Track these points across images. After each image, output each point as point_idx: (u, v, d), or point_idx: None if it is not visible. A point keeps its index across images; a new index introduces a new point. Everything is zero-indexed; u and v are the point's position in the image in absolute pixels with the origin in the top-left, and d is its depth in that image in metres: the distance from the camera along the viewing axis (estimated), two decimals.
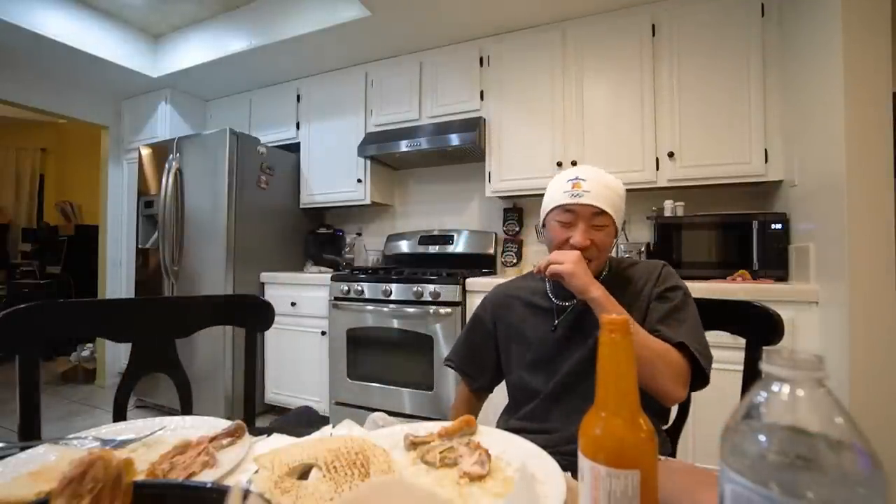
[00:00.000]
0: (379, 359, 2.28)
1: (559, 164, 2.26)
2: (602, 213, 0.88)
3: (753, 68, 1.94)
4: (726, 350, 1.46)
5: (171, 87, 3.20)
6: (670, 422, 0.95)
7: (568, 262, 0.82)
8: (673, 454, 0.92)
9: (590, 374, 0.73)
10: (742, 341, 0.90)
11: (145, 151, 2.86)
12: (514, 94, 2.39)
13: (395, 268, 2.47)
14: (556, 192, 0.91)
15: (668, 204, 2.13)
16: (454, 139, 2.37)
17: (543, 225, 0.97)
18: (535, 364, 0.93)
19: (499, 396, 1.11)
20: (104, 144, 3.44)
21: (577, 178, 0.89)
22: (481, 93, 2.47)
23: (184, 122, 3.29)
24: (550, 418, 0.88)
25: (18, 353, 0.76)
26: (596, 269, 0.90)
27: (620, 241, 2.33)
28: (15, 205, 4.86)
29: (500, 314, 1.03)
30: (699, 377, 0.80)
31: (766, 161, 1.92)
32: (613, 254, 1.10)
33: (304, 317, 2.54)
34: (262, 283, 2.72)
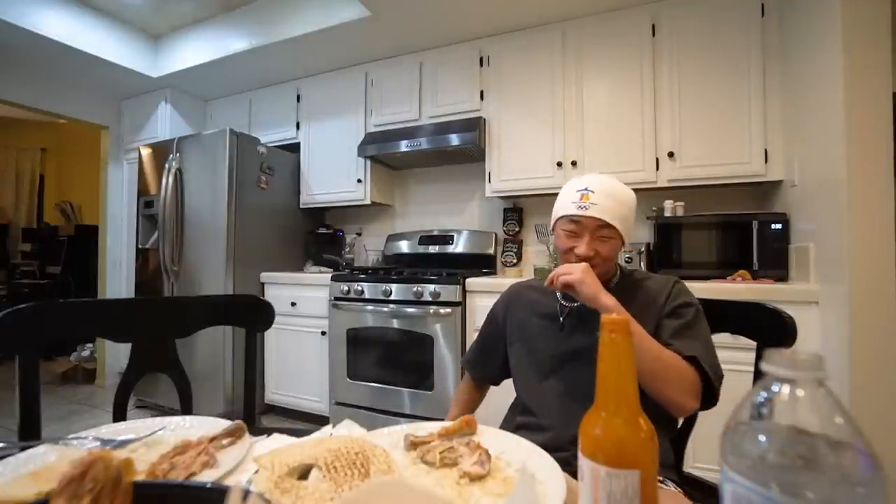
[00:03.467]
0: (379, 359, 2.27)
1: (559, 165, 2.26)
2: (608, 225, 0.88)
3: (753, 68, 1.94)
4: (727, 350, 1.45)
5: (171, 87, 3.20)
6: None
7: (577, 272, 0.83)
8: (679, 465, 0.90)
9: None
10: (744, 341, 0.90)
11: (145, 151, 2.86)
12: (514, 94, 2.39)
13: (395, 268, 2.47)
14: (565, 202, 0.92)
15: (668, 204, 2.13)
16: (454, 139, 2.37)
17: (552, 231, 0.99)
18: (540, 364, 0.93)
19: (502, 399, 1.11)
20: (104, 144, 3.44)
21: (585, 189, 0.90)
22: (481, 93, 2.47)
23: (184, 122, 3.29)
24: (555, 417, 0.88)
25: (18, 353, 0.76)
26: (601, 275, 0.90)
27: None
28: (15, 205, 4.85)
29: (512, 311, 1.04)
30: (708, 394, 0.79)
31: (766, 161, 1.92)
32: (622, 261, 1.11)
33: (304, 317, 2.54)
34: (262, 283, 2.72)
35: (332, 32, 2.44)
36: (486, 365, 1.09)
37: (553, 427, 0.86)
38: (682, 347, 0.80)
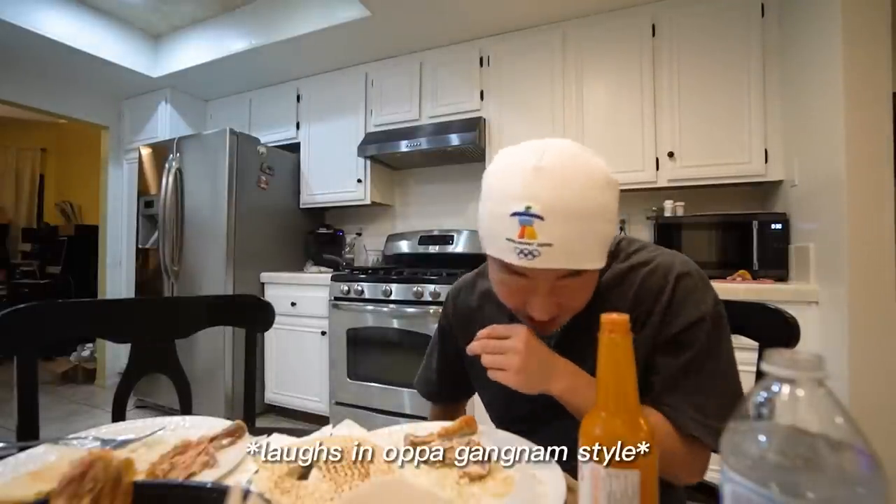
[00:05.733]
0: (379, 359, 2.28)
1: None
2: (571, 274, 0.55)
3: (753, 68, 1.94)
4: None
5: (171, 87, 3.20)
6: None
7: (512, 367, 0.57)
8: None
9: (564, 413, 0.61)
10: (744, 341, 0.89)
11: (145, 151, 2.86)
12: (514, 94, 2.39)
13: (395, 268, 2.47)
14: (497, 234, 0.55)
15: (668, 204, 2.13)
16: (454, 139, 2.37)
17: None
18: (514, 419, 0.71)
19: None
20: (104, 144, 3.44)
21: (528, 216, 0.51)
22: (481, 93, 2.47)
23: (184, 122, 3.29)
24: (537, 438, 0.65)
25: (17, 353, 0.76)
26: (570, 317, 0.63)
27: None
28: (15, 205, 4.86)
29: (467, 336, 0.69)
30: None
31: (766, 161, 1.92)
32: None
33: (304, 317, 2.54)
34: (263, 283, 2.72)
35: (332, 32, 2.44)
36: (455, 387, 0.86)
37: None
38: (675, 413, 0.56)
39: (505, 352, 0.59)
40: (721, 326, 0.61)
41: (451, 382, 0.87)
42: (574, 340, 0.65)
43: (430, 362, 0.90)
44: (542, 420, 0.67)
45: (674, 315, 0.60)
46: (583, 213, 0.52)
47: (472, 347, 0.62)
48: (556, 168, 0.52)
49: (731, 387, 0.59)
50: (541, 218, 0.51)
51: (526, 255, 0.52)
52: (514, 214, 0.52)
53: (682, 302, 0.60)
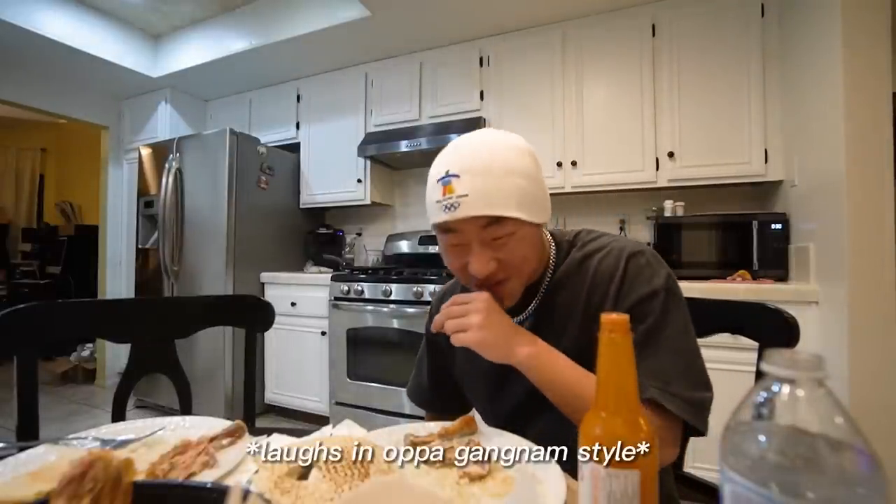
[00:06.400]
0: (379, 359, 2.27)
1: (559, 164, 2.26)
2: (496, 221, 0.59)
3: (753, 68, 1.94)
4: (728, 350, 1.46)
5: (171, 87, 3.20)
6: None
7: (473, 325, 0.58)
8: (680, 464, 0.89)
9: (546, 406, 0.62)
10: (744, 341, 0.89)
11: (145, 151, 2.86)
12: (514, 95, 2.39)
13: (395, 268, 2.47)
14: (431, 202, 0.63)
15: (668, 204, 2.13)
16: (454, 139, 2.36)
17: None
18: (497, 416, 0.72)
19: None
20: (104, 144, 3.44)
21: (447, 177, 0.60)
22: (481, 93, 2.47)
23: (184, 122, 3.29)
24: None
25: (17, 353, 0.76)
26: (522, 285, 0.65)
27: None
28: (15, 205, 4.86)
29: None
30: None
31: (766, 161, 1.92)
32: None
33: (304, 317, 2.54)
34: (262, 283, 2.72)
35: (332, 32, 2.44)
36: (450, 396, 0.83)
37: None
38: (641, 381, 0.56)
39: (466, 314, 0.60)
40: (675, 299, 0.62)
41: (444, 389, 0.85)
42: (541, 327, 0.65)
43: (420, 369, 0.89)
44: (526, 416, 0.68)
45: (627, 292, 0.62)
46: (494, 168, 0.59)
47: (436, 319, 0.62)
48: (472, 139, 0.63)
49: (689, 355, 0.60)
50: (457, 176, 0.59)
51: (447, 208, 0.59)
52: (438, 181, 0.61)
53: (633, 279, 0.63)
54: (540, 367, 0.59)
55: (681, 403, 0.55)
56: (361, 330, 2.31)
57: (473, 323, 0.58)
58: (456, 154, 0.62)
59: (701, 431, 0.57)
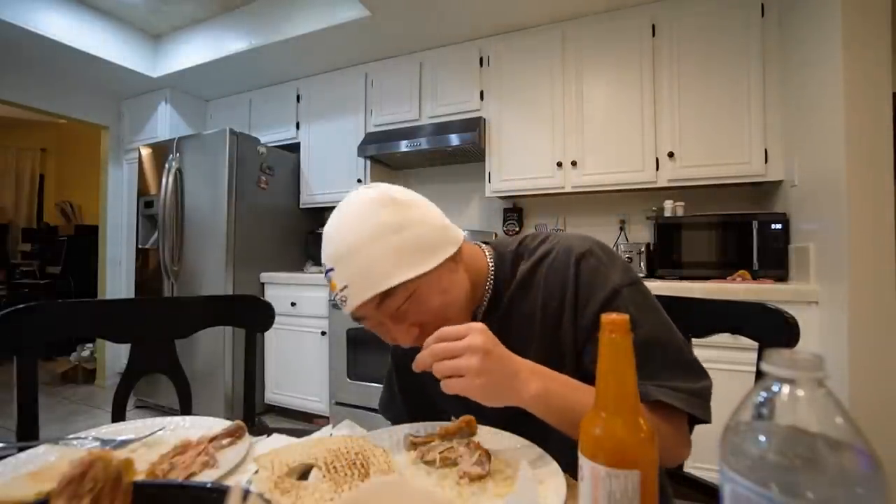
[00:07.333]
0: (379, 359, 2.27)
1: (559, 164, 2.26)
2: (382, 298, 0.56)
3: (753, 68, 1.94)
4: (728, 350, 1.46)
5: (171, 87, 3.20)
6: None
7: (472, 371, 0.47)
8: (681, 464, 0.89)
9: (527, 427, 0.57)
10: (744, 341, 0.89)
11: (145, 151, 2.86)
12: (514, 94, 2.39)
13: None
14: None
15: (668, 204, 2.13)
16: (454, 139, 2.37)
17: None
18: (471, 411, 0.63)
19: None
20: (104, 144, 3.44)
21: (327, 273, 0.58)
22: (481, 93, 2.47)
23: (184, 122, 3.29)
24: None
25: (17, 353, 0.76)
26: (464, 316, 0.62)
27: (621, 242, 2.33)
28: (15, 205, 4.86)
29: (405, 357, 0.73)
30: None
31: (766, 161, 1.92)
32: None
33: (304, 317, 2.54)
34: (262, 283, 2.72)
35: (332, 32, 2.44)
36: (426, 411, 0.76)
37: None
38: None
39: (460, 353, 0.49)
40: (638, 293, 0.59)
41: (417, 402, 0.78)
42: (504, 343, 0.54)
43: (390, 383, 0.84)
44: (515, 428, 0.61)
45: (586, 299, 0.59)
46: (357, 245, 0.55)
47: (419, 359, 0.51)
48: (332, 223, 0.60)
49: (675, 347, 0.58)
50: (332, 269, 0.57)
51: (341, 304, 0.57)
52: (325, 277, 0.59)
53: (588, 284, 0.59)
54: (549, 403, 0.51)
55: (686, 398, 0.53)
56: (361, 330, 2.31)
57: (472, 367, 0.47)
58: (326, 244, 0.59)
59: (706, 421, 0.56)
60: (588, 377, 0.50)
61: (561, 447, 0.51)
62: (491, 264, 0.67)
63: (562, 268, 0.61)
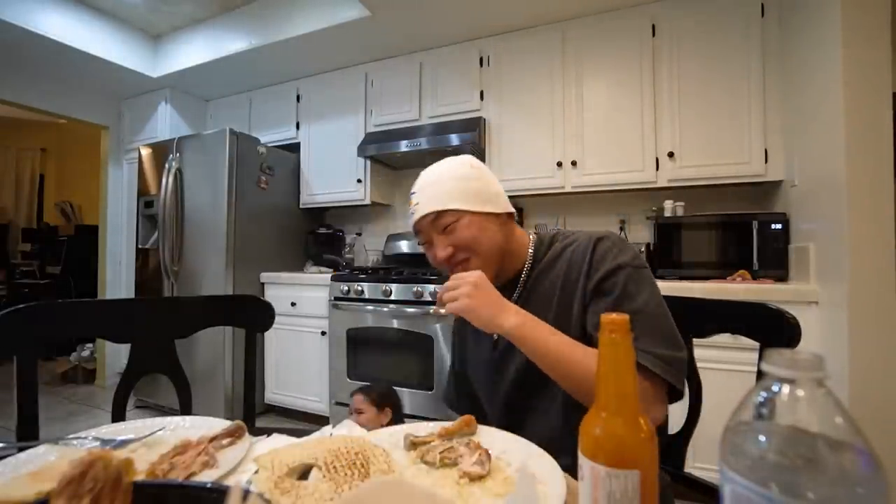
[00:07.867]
0: (379, 359, 2.28)
1: (559, 164, 2.26)
2: (439, 214, 0.75)
3: (753, 68, 1.94)
4: (728, 350, 1.46)
5: (171, 87, 3.20)
6: (676, 428, 0.92)
7: (462, 294, 0.67)
8: (681, 465, 0.89)
9: (538, 385, 0.73)
10: (744, 341, 0.88)
11: (145, 151, 2.86)
12: (514, 94, 2.39)
13: (395, 268, 2.47)
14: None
15: (668, 204, 2.13)
16: (454, 139, 2.37)
17: None
18: (490, 376, 0.83)
19: None
20: (104, 144, 3.44)
21: (410, 195, 0.80)
22: (481, 93, 2.47)
23: (184, 122, 3.29)
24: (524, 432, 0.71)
25: (17, 353, 0.76)
26: (486, 263, 0.76)
27: None
28: (15, 205, 4.86)
29: (461, 335, 0.94)
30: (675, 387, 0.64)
31: (766, 161, 1.92)
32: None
33: (304, 317, 2.54)
34: (263, 283, 2.72)
35: (332, 32, 2.44)
36: (467, 399, 0.93)
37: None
38: None
39: (459, 286, 0.68)
40: (641, 273, 0.70)
41: (462, 388, 0.93)
42: (529, 306, 0.72)
43: (449, 374, 0.99)
44: (522, 396, 0.77)
45: (595, 269, 0.71)
46: (438, 179, 0.78)
47: (439, 293, 0.71)
48: (430, 167, 0.81)
49: (658, 318, 0.66)
50: (415, 193, 0.79)
51: (411, 215, 0.79)
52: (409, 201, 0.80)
53: (600, 258, 0.72)
54: (527, 334, 0.65)
55: (653, 359, 0.61)
56: (361, 330, 2.31)
57: (463, 292, 0.67)
58: (418, 179, 0.81)
59: (678, 391, 0.64)
60: (589, 342, 0.65)
61: (564, 440, 0.54)
62: (531, 246, 0.82)
63: (583, 247, 0.75)
